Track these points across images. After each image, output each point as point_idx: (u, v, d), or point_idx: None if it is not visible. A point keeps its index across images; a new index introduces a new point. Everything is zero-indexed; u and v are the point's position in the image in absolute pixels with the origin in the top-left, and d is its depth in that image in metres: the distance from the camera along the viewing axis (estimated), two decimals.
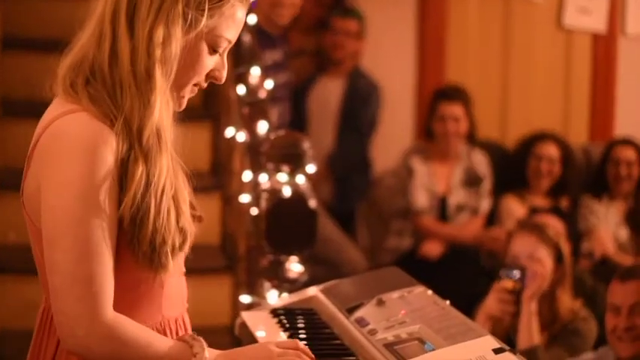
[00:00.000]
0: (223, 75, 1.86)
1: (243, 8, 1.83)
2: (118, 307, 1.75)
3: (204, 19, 1.76)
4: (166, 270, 1.78)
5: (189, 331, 1.93)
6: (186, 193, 1.83)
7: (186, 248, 1.83)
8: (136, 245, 1.75)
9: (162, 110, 1.76)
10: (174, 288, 1.89)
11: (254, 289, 3.41)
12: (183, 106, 1.86)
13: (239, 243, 3.77)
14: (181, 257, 1.88)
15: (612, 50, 5.93)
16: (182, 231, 1.80)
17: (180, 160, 1.87)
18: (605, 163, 5.33)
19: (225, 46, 1.83)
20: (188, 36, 1.77)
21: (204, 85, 1.86)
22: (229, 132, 3.86)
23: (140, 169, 1.73)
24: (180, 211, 1.79)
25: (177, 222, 1.79)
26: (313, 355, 1.89)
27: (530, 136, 5.36)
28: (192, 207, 1.89)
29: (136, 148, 1.73)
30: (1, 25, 4.49)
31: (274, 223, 3.18)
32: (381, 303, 2.21)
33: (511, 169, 5.33)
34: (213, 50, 1.82)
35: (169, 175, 1.77)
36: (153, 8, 1.74)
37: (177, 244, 1.79)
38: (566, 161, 5.26)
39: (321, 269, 4.03)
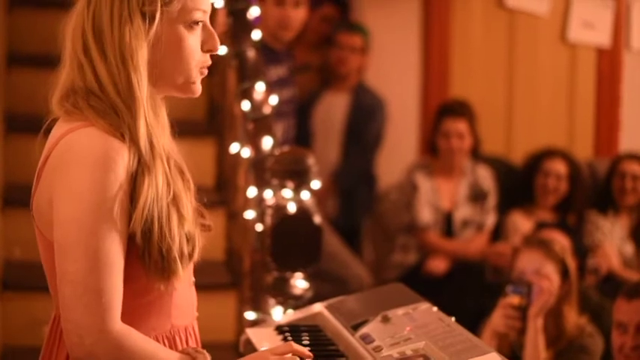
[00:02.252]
0: (217, 44, 1.88)
1: None
2: (127, 315, 1.77)
3: (158, 8, 1.79)
4: (177, 277, 1.80)
5: (199, 340, 1.95)
6: (187, 199, 1.84)
7: (196, 255, 1.84)
8: (147, 257, 1.77)
9: (150, 118, 1.80)
10: (184, 297, 1.91)
11: (259, 306, 3.40)
12: (197, 92, 1.89)
13: (244, 259, 3.76)
14: (191, 266, 1.89)
15: (617, 65, 5.93)
16: (189, 237, 1.81)
17: (184, 167, 1.88)
18: (611, 177, 5.33)
19: (202, 18, 1.86)
20: (152, 31, 1.79)
21: (208, 61, 1.89)
22: (234, 148, 3.85)
23: (147, 182, 1.76)
24: (181, 215, 1.81)
25: (182, 227, 1.80)
26: (310, 354, 1.91)
27: (538, 152, 5.35)
28: (201, 215, 1.91)
29: (141, 161, 1.76)
30: (6, 42, 4.50)
31: (279, 239, 3.17)
32: (386, 319, 2.20)
33: (518, 184, 5.32)
34: (191, 27, 1.84)
35: (165, 181, 1.80)
36: (114, 26, 1.78)
37: (185, 251, 1.81)
38: (573, 178, 5.25)
39: (326, 285, 4.02)
